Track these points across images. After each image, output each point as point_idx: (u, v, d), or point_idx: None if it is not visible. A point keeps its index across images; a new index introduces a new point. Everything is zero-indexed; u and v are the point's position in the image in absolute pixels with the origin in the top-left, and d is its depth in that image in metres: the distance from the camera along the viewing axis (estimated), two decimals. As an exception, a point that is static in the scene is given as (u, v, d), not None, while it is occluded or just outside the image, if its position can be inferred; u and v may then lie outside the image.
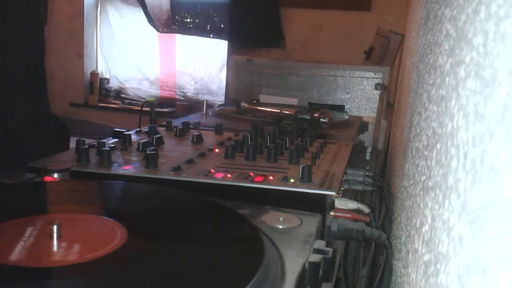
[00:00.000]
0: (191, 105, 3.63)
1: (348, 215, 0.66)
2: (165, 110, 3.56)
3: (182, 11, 3.42)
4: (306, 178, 0.69)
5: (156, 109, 1.13)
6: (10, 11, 1.14)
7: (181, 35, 3.59)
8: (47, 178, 0.64)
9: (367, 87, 1.78)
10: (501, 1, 0.24)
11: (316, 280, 0.50)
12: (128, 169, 0.72)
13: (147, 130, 1.00)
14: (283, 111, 1.33)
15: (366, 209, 0.69)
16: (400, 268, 0.59)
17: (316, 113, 1.25)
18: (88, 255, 0.42)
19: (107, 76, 4.02)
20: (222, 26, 3.35)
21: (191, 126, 1.07)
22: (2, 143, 1.12)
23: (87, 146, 0.78)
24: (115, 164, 0.74)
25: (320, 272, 0.51)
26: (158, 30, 3.43)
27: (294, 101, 1.78)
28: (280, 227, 0.56)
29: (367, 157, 1.15)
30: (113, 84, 4.00)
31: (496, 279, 0.21)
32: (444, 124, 0.37)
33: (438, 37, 0.51)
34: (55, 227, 0.44)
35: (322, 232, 0.62)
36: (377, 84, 1.76)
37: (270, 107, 1.45)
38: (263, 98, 1.82)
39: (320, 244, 0.54)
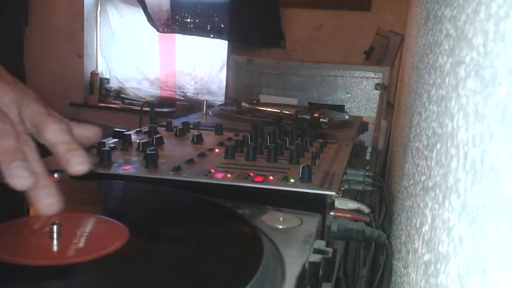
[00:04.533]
0: (191, 105, 3.63)
1: (348, 215, 0.66)
2: (165, 110, 3.56)
3: (182, 11, 3.42)
4: (306, 178, 0.69)
5: (156, 109, 1.13)
6: None
7: (181, 35, 3.59)
8: (47, 178, 0.64)
9: (367, 87, 1.78)
10: (501, 1, 0.24)
11: (316, 280, 0.50)
12: (128, 169, 0.72)
13: (147, 130, 1.00)
14: (283, 111, 1.33)
15: (366, 209, 0.69)
16: (400, 268, 0.59)
17: (316, 113, 1.25)
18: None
19: (107, 76, 4.02)
20: (222, 26, 3.35)
21: (191, 126, 1.07)
22: None
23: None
24: (115, 164, 0.74)
25: (320, 272, 0.51)
26: (158, 30, 3.43)
27: (294, 101, 1.78)
28: (280, 227, 0.56)
29: (367, 157, 1.15)
30: (113, 84, 4.00)
31: (496, 279, 0.21)
32: (444, 124, 0.37)
33: (438, 37, 0.51)
34: (55, 227, 0.44)
35: (322, 232, 0.62)
36: (377, 84, 1.76)
37: (270, 107, 1.45)
38: (263, 98, 1.82)
39: (320, 244, 0.54)
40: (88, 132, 0.50)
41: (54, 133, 0.44)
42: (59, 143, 0.44)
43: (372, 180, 0.85)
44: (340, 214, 0.66)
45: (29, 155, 0.42)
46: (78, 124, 0.49)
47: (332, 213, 0.66)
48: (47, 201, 0.41)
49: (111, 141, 0.87)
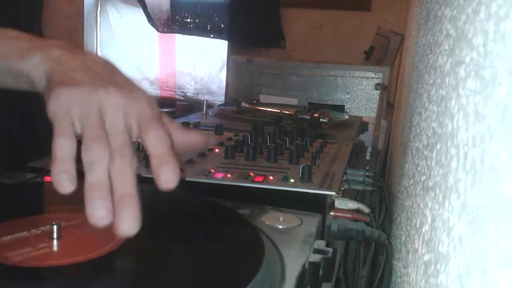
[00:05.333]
0: (191, 105, 3.63)
1: (348, 215, 0.66)
2: (165, 110, 3.55)
3: (182, 11, 3.42)
4: (306, 178, 0.69)
5: (156, 109, 1.12)
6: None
7: (181, 35, 3.59)
8: (47, 178, 0.64)
9: (367, 87, 1.78)
10: (501, 1, 0.24)
11: (316, 280, 0.50)
12: (128, 169, 0.72)
13: (147, 130, 1.00)
14: (283, 111, 1.33)
15: (366, 209, 0.69)
16: (400, 268, 0.59)
17: (316, 113, 1.25)
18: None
19: (107, 76, 4.01)
20: (222, 26, 3.35)
21: (191, 126, 1.07)
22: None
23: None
24: (115, 164, 0.74)
25: (320, 272, 0.51)
26: (158, 30, 3.43)
27: (294, 101, 1.78)
28: (280, 227, 0.56)
29: (367, 157, 1.15)
30: (113, 84, 3.99)
31: (496, 279, 0.21)
32: (444, 124, 0.37)
33: (438, 37, 0.51)
34: (55, 227, 0.44)
35: (322, 232, 0.62)
36: (377, 84, 1.76)
37: (270, 107, 1.45)
38: (263, 98, 1.83)
39: (320, 244, 0.54)
40: (193, 139, 0.50)
41: (150, 144, 0.44)
42: (153, 155, 0.44)
43: (372, 180, 0.85)
44: (340, 214, 0.66)
45: (120, 176, 0.41)
46: (186, 130, 0.48)
47: (332, 213, 0.66)
48: (124, 225, 0.40)
49: (111, 141, 0.87)
